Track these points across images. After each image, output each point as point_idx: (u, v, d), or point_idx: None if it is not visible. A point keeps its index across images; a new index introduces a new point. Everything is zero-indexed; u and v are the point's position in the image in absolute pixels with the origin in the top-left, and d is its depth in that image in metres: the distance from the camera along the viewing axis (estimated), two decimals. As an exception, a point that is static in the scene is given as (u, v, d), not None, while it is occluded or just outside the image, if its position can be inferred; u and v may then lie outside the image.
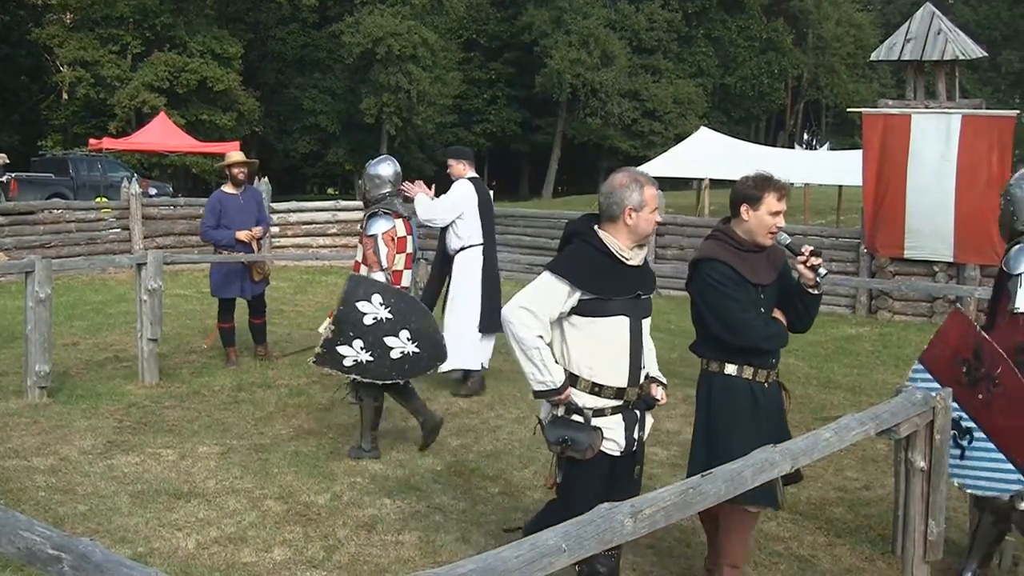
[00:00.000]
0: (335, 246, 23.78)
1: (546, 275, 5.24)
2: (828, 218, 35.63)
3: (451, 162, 11.87)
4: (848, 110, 31.39)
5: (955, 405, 5.86)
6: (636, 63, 68.87)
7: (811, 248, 5.76)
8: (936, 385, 6.09)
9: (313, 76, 61.17)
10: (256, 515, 7.48)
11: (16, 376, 11.52)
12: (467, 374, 11.70)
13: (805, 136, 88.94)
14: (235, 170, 12.78)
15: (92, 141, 42.74)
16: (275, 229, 23.16)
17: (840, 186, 34.96)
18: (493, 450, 9.40)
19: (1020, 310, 6.29)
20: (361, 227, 9.59)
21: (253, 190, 13.52)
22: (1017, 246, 6.50)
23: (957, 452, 6.07)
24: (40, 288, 10.79)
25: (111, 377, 12.00)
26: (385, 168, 9.54)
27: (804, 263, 5.77)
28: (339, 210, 24.70)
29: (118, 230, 22.11)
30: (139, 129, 45.36)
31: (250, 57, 58.14)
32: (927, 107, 17.33)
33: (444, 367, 11.43)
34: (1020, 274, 6.34)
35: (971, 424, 6.09)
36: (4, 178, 33.29)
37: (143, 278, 11.79)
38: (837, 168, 33.51)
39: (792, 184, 44.16)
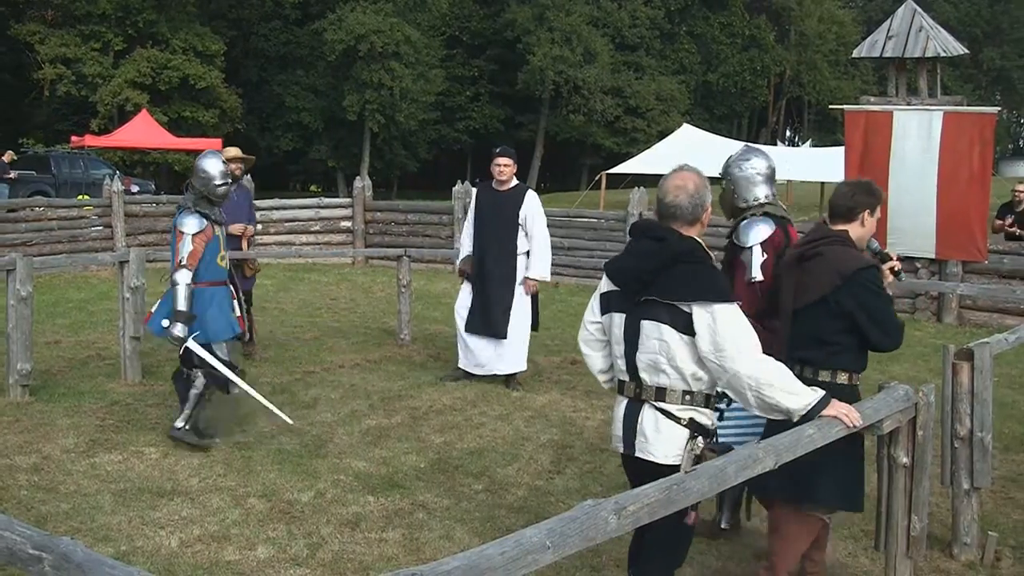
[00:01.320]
0: (318, 244, 23.76)
1: (734, 308, 4.94)
2: (811, 215, 35.66)
3: (512, 162, 11.97)
4: (830, 107, 31.44)
5: None
6: (619, 60, 68.88)
7: (897, 254, 6.27)
8: None
9: (295, 73, 61.03)
10: (239, 513, 7.47)
11: (-2, 374, 11.50)
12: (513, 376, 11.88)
13: (787, 133, 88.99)
14: (232, 165, 12.72)
15: (74, 138, 42.58)
16: (258, 226, 23.10)
17: (823, 183, 35.12)
18: (476, 447, 9.40)
19: (757, 279, 6.88)
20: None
21: (244, 187, 13.49)
22: (744, 221, 7.14)
23: (715, 414, 6.24)
24: (21, 286, 10.76)
25: (94, 375, 11.97)
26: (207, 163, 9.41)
27: (891, 269, 6.20)
28: (322, 207, 24.65)
29: (100, 228, 22.06)
30: (121, 126, 45.23)
31: (232, 54, 57.99)
32: (909, 104, 17.35)
33: (507, 369, 11.58)
34: (752, 246, 6.99)
35: None
36: (13, 175, 33.30)
37: (126, 276, 11.78)
38: (819, 165, 33.68)
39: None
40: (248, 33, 61.53)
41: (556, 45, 62.44)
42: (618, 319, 5.18)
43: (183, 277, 8.94)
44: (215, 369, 9.10)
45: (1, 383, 11.00)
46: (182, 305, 8.95)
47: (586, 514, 3.66)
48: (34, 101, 53.53)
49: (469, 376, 11.88)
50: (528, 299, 11.82)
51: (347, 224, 23.94)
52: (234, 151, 13.11)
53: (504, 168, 11.76)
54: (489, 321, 11.68)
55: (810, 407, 4.93)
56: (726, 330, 4.85)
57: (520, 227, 11.70)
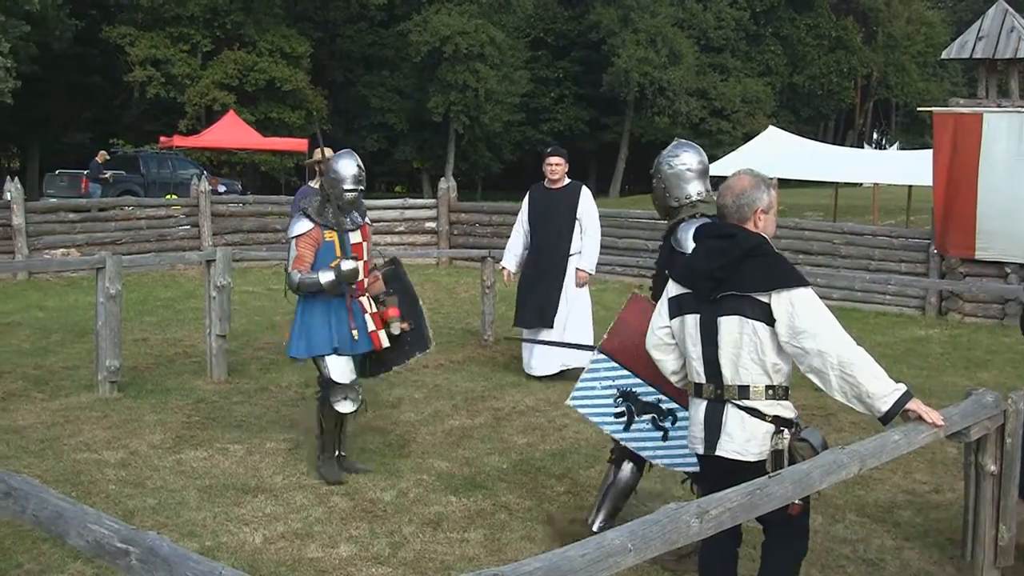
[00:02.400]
0: (402, 244, 23.83)
1: (809, 291, 5.01)
2: (898, 218, 35.29)
3: (563, 161, 12.17)
4: (918, 109, 31.10)
5: (652, 388, 6.23)
6: (704, 62, 68.53)
7: None
8: (624, 372, 6.41)
9: (381, 74, 61.29)
10: (322, 511, 7.52)
11: (87, 371, 11.66)
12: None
13: (874, 135, 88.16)
14: (321, 166, 12.81)
15: (162, 139, 43.15)
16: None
17: (910, 186, 34.61)
18: (559, 449, 9.40)
19: None
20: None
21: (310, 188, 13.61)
22: (683, 223, 6.77)
23: (659, 435, 6.29)
24: (111, 284, 10.91)
25: (180, 373, 12.11)
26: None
27: None
28: (407, 208, 24.73)
29: (188, 227, 22.32)
30: (209, 127, 45.76)
31: (318, 55, 58.40)
32: (999, 106, 17.10)
33: (574, 364, 11.62)
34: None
35: (672, 405, 6.28)
36: (108, 175, 33.82)
37: (212, 274, 11.90)
38: (907, 168, 33.16)
39: (861, 184, 43.65)
40: (334, 34, 61.93)
41: (641, 47, 62.17)
42: (691, 320, 5.21)
43: (294, 277, 8.18)
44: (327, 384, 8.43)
45: (90, 379, 11.18)
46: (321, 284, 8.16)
47: (668, 517, 3.65)
48: (124, 103, 54.24)
49: (551, 377, 11.92)
50: (587, 294, 12.19)
51: (431, 225, 23.99)
52: (327, 152, 13.13)
53: (556, 167, 12.09)
54: (525, 314, 12.15)
55: (898, 397, 4.93)
56: (805, 312, 4.95)
57: (577, 223, 12.02)
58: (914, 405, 4.99)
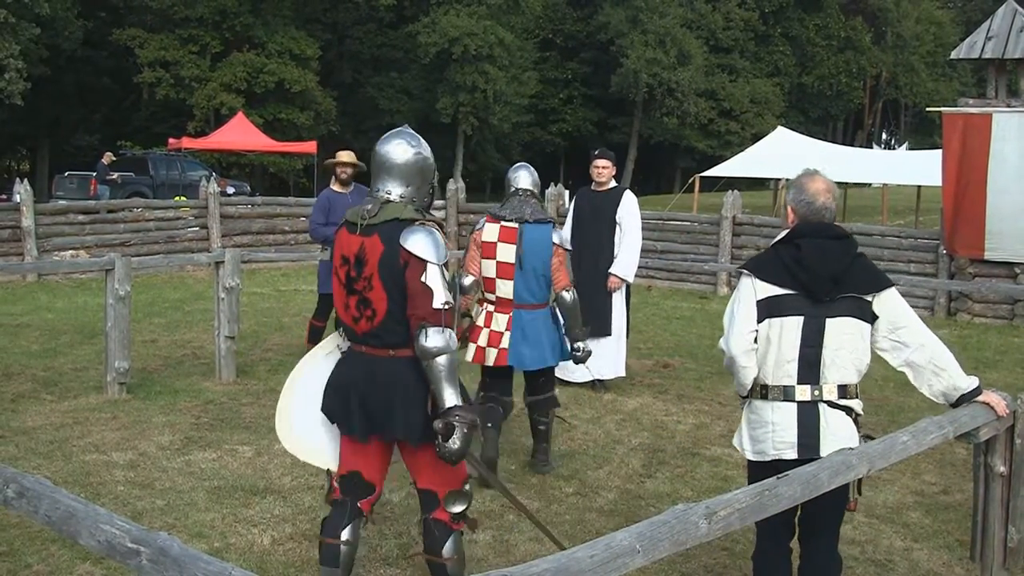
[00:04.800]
0: (411, 245, 23.82)
1: (897, 289, 5.33)
2: (907, 219, 35.31)
3: (610, 164, 11.97)
4: (928, 109, 31.04)
5: None
6: (713, 62, 68.58)
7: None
8: None
9: (389, 75, 61.36)
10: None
11: (96, 372, 11.68)
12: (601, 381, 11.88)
13: (884, 136, 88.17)
14: (338, 169, 12.82)
15: (171, 140, 43.24)
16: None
17: (919, 186, 34.67)
18: (567, 450, 9.40)
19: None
20: None
21: (362, 189, 13.58)
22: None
23: None
24: (120, 286, 10.93)
25: (189, 374, 12.13)
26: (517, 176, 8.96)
27: None
28: (417, 211, 24.71)
29: (196, 228, 22.39)
30: (217, 129, 45.84)
31: (327, 57, 58.49)
32: (1009, 106, 17.08)
33: (608, 374, 11.75)
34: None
35: None
36: (115, 176, 33.91)
37: (221, 276, 11.91)
38: (916, 168, 33.19)
39: (870, 184, 43.61)
40: (343, 36, 62.03)
41: (650, 47, 62.19)
42: (792, 323, 5.11)
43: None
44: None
45: (99, 381, 11.21)
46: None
47: (677, 518, 3.65)
48: (133, 104, 54.39)
49: (562, 381, 11.86)
50: (623, 302, 11.84)
51: (440, 226, 23.96)
52: (345, 156, 13.11)
53: (603, 170, 11.78)
54: (597, 322, 11.47)
55: (975, 386, 5.42)
56: (903, 308, 5.25)
57: (618, 226, 11.74)
58: (985, 397, 5.43)
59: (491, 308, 8.60)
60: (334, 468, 5.71)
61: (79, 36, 47.92)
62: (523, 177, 8.82)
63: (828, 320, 5.08)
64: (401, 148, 5.46)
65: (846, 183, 39.04)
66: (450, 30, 55.55)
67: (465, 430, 5.11)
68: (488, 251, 8.56)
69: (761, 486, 4.13)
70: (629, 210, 11.78)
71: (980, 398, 5.36)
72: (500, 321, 8.53)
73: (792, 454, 5.12)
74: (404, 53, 60.65)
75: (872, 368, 5.33)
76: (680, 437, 9.88)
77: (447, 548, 5.50)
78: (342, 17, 60.26)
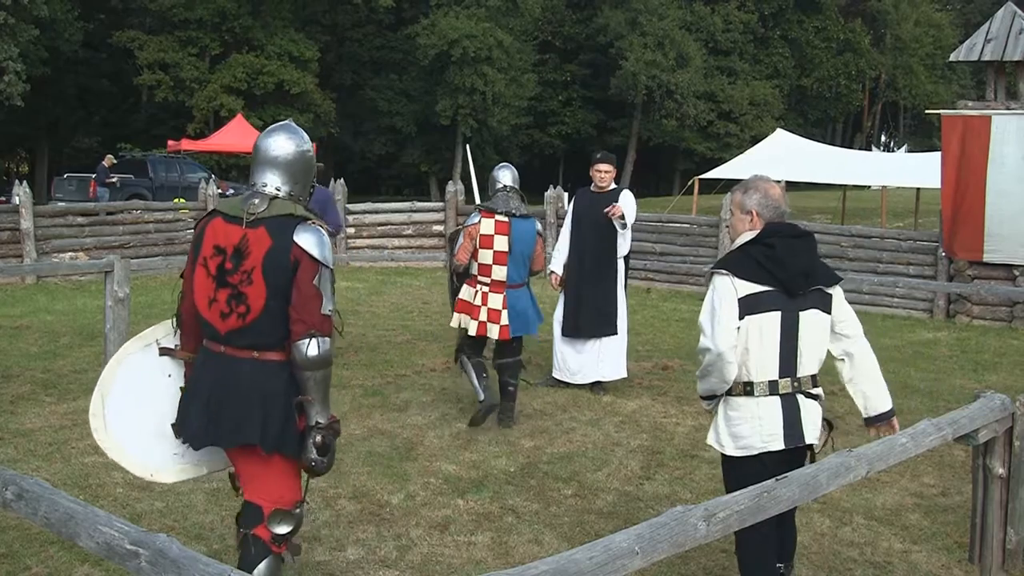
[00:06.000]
0: (410, 247, 23.87)
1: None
2: (906, 221, 35.29)
3: (612, 168, 11.96)
4: (927, 111, 31.10)
5: None
6: (712, 65, 68.57)
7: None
8: None
9: (389, 78, 61.44)
10: (330, 514, 7.52)
11: (96, 374, 11.56)
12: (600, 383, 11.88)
13: (883, 138, 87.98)
14: None
15: (171, 143, 43.26)
16: (351, 230, 23.34)
17: (918, 188, 34.62)
18: (566, 452, 9.40)
19: None
20: None
21: (321, 190, 13.50)
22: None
23: None
24: (119, 288, 10.93)
25: (188, 376, 12.10)
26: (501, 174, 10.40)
27: None
28: (415, 211, 24.76)
29: (195, 230, 22.37)
30: (217, 131, 45.85)
31: (326, 59, 58.54)
32: (1008, 108, 17.08)
33: (608, 376, 11.81)
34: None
35: None
36: (115, 179, 33.95)
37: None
38: (915, 170, 33.16)
39: (869, 186, 43.68)
40: (342, 38, 62.12)
41: (649, 50, 62.21)
42: (771, 318, 5.31)
43: None
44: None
45: (98, 383, 11.19)
46: None
47: (675, 520, 3.65)
48: (133, 106, 54.43)
49: (562, 383, 11.87)
50: (625, 305, 11.83)
51: (439, 228, 24.01)
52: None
53: (605, 175, 11.73)
54: (585, 323, 11.66)
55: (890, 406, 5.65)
56: (845, 303, 5.58)
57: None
58: (895, 421, 5.60)
59: (486, 289, 9.97)
60: (162, 480, 5.59)
61: (78, 38, 48.00)
62: (506, 175, 10.35)
63: (801, 313, 5.35)
64: (284, 142, 5.44)
65: (845, 185, 39.11)
66: (449, 32, 55.59)
67: (332, 445, 5.06)
68: (486, 242, 9.95)
69: (760, 488, 4.14)
70: (627, 203, 11.59)
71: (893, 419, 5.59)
72: (496, 300, 9.96)
73: (779, 444, 5.33)
74: (403, 55, 60.71)
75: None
76: (679, 439, 9.88)
77: (260, 570, 5.12)
78: (341, 19, 60.34)
